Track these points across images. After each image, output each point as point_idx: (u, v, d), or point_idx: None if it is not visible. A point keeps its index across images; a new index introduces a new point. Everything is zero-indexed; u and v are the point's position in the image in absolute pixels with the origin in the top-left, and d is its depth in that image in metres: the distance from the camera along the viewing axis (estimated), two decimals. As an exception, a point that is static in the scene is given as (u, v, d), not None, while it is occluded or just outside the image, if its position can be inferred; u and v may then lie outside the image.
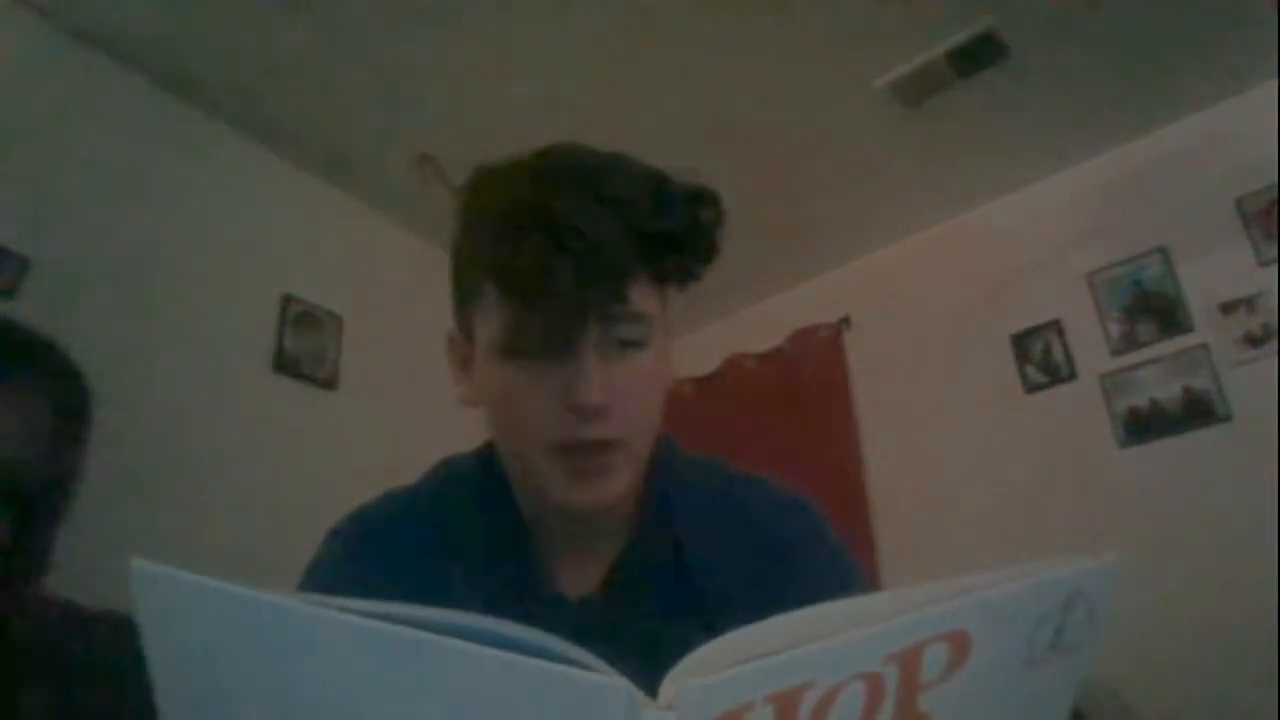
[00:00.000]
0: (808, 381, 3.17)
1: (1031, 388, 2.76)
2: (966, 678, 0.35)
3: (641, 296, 0.61)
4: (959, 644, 0.34)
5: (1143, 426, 2.50)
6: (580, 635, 0.66)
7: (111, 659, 0.73)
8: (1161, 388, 2.49)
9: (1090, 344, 2.67)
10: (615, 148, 0.66)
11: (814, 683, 0.32)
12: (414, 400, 2.70)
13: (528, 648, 0.31)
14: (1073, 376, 2.68)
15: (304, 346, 2.52)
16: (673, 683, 0.31)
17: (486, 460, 0.72)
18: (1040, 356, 2.76)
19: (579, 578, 0.68)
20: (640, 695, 0.31)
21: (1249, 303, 2.40)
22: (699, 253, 0.65)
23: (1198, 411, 2.42)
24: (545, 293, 0.57)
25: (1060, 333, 2.74)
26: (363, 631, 0.30)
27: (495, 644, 0.31)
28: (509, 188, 0.62)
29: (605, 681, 0.31)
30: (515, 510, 0.69)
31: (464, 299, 0.66)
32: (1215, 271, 2.48)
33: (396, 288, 2.79)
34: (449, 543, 0.68)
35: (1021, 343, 2.81)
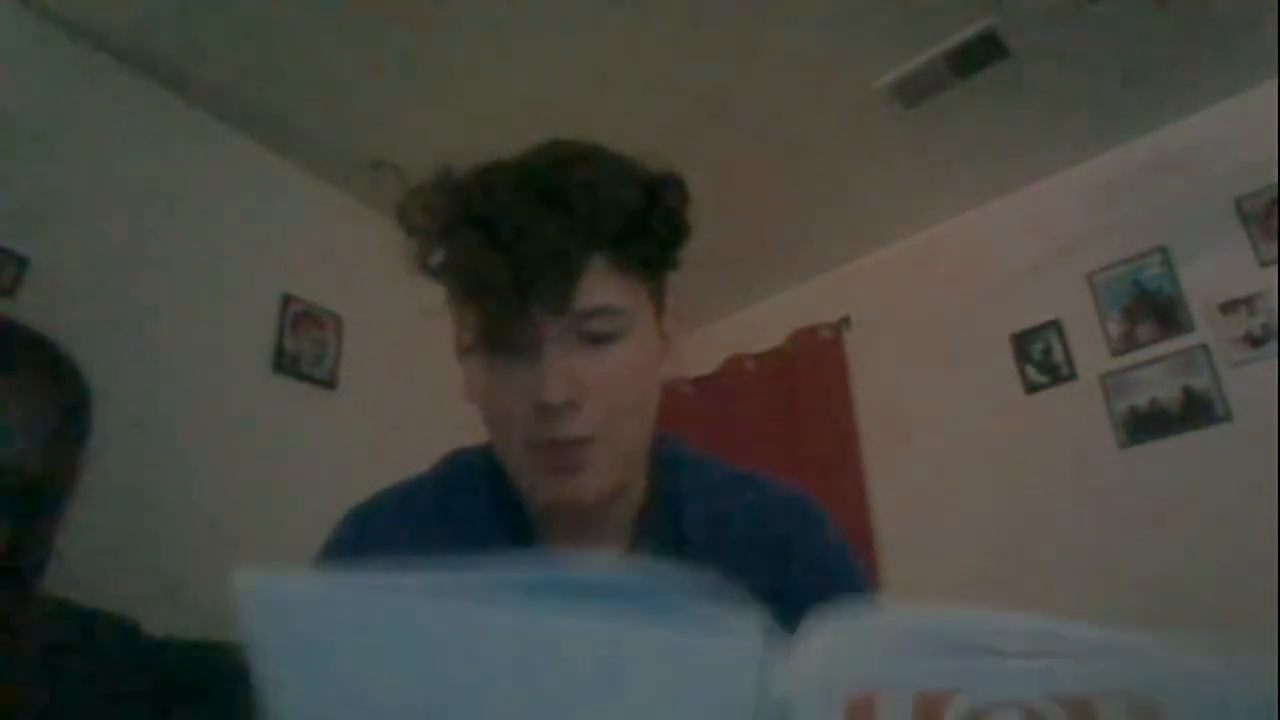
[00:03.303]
0: (808, 381, 3.16)
1: (1031, 388, 2.76)
2: None
3: (604, 288, 0.60)
4: (1147, 714, 0.30)
5: (1143, 426, 2.50)
6: None
7: (110, 658, 0.73)
8: (1161, 388, 2.49)
9: (1090, 344, 2.67)
10: (610, 148, 0.65)
11: (963, 693, 0.30)
12: (414, 400, 2.70)
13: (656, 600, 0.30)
14: (1073, 376, 2.68)
15: (304, 346, 2.52)
16: (817, 641, 0.31)
17: (495, 456, 0.72)
18: (1040, 356, 2.76)
19: None
20: (774, 655, 0.30)
21: (1249, 303, 2.40)
22: (661, 237, 0.63)
23: (1198, 411, 2.42)
24: (483, 293, 0.57)
25: (1060, 333, 2.73)
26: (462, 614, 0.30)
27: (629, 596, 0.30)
28: (455, 189, 0.62)
29: (736, 649, 0.30)
30: (522, 505, 0.69)
31: (449, 299, 0.66)
32: (1215, 271, 2.48)
33: (396, 288, 2.77)
34: (456, 540, 0.68)
35: (1021, 343, 2.80)
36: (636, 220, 0.60)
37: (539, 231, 0.56)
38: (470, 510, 0.69)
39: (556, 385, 0.58)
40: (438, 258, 0.61)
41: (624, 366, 0.61)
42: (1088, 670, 0.30)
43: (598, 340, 0.60)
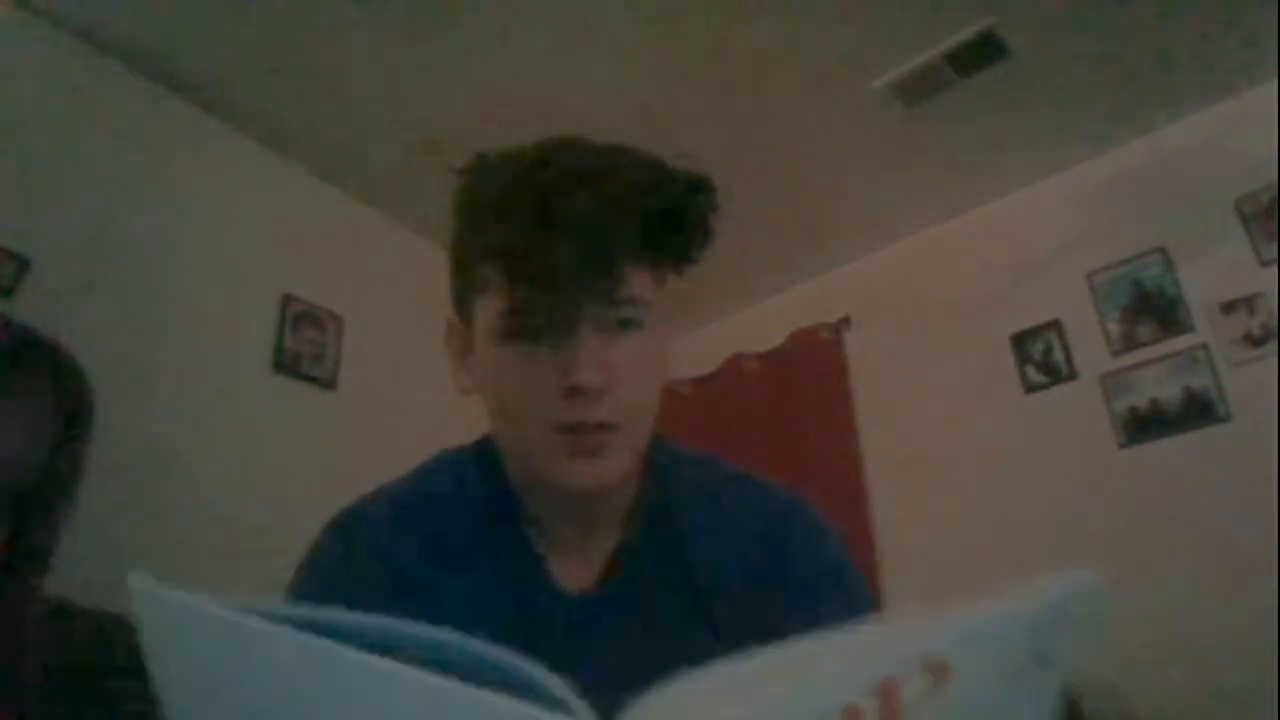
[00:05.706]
0: (808, 381, 3.16)
1: (1031, 388, 2.76)
2: (947, 701, 0.34)
3: (637, 280, 0.62)
4: (938, 672, 0.34)
5: (1143, 426, 2.50)
6: (576, 632, 0.66)
7: (108, 659, 0.73)
8: (1161, 388, 2.49)
9: (1090, 344, 2.67)
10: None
11: None
12: (414, 400, 2.70)
13: (494, 670, 0.30)
14: (1073, 376, 2.68)
15: (304, 346, 2.52)
16: None
17: (483, 453, 0.72)
18: (1040, 356, 2.76)
19: (577, 572, 0.68)
20: None
21: (1249, 303, 2.40)
22: (693, 237, 0.66)
23: (1198, 411, 2.42)
24: (546, 275, 0.58)
25: (1060, 333, 2.73)
26: (300, 647, 0.30)
27: (469, 663, 0.30)
28: (508, 172, 0.63)
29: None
30: (513, 503, 0.69)
31: (464, 285, 0.67)
32: (1215, 271, 2.48)
33: (396, 288, 2.79)
34: (446, 537, 0.68)
35: (1021, 343, 2.80)
36: (675, 219, 0.63)
37: (596, 221, 0.58)
38: (460, 510, 0.70)
39: (591, 369, 0.59)
40: (489, 239, 0.62)
41: (644, 355, 0.64)
42: (893, 658, 0.33)
43: (624, 328, 0.62)
